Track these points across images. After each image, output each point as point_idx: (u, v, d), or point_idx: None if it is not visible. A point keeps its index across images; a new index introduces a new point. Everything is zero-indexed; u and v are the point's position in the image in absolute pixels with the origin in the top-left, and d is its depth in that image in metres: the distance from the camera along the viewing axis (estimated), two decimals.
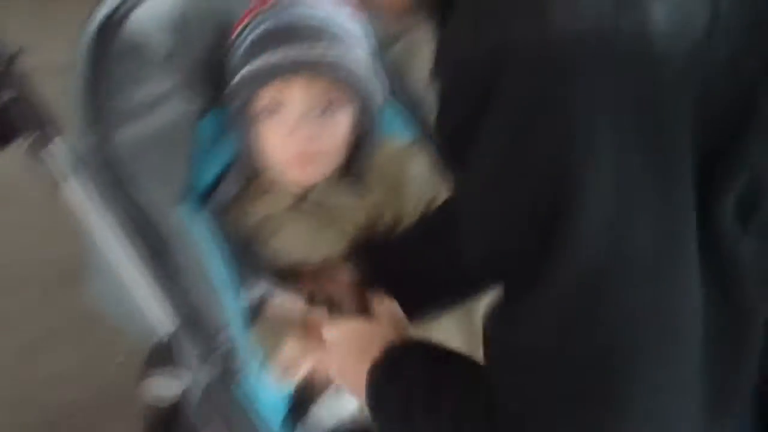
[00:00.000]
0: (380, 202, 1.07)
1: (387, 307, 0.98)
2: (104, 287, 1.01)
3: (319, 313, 0.99)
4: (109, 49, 0.99)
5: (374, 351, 0.82)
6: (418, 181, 1.11)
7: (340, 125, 1.04)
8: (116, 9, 1.03)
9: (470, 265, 0.67)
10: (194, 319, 0.93)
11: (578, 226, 0.57)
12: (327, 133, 1.02)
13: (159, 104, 0.99)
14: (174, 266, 0.94)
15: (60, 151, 0.96)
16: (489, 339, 0.67)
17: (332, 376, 0.94)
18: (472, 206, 0.65)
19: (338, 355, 0.90)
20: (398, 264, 1.04)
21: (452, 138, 0.65)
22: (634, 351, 0.59)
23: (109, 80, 0.98)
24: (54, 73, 1.08)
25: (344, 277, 1.05)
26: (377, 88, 1.06)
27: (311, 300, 0.99)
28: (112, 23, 1.01)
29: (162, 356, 0.98)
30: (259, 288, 1.01)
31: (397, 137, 1.17)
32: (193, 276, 0.94)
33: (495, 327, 0.66)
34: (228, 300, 0.95)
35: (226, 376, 0.94)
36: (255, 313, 1.01)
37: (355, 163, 1.08)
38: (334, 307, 1.02)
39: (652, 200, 0.58)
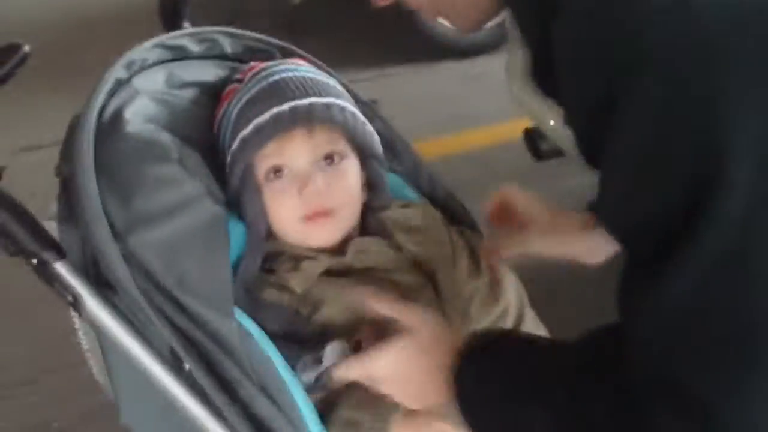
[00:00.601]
0: (418, 253, 1.00)
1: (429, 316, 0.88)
2: (140, 413, 0.89)
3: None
4: (116, 146, 0.89)
5: (441, 355, 0.79)
6: (443, 230, 1.05)
7: (348, 175, 0.97)
8: (104, 105, 0.93)
9: (611, 232, 0.68)
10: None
11: (724, 203, 0.57)
12: (337, 185, 0.96)
13: (189, 205, 0.89)
14: (231, 377, 0.83)
15: (69, 271, 0.85)
16: (626, 299, 0.66)
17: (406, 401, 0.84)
18: (616, 183, 0.65)
19: (405, 375, 0.82)
20: None
21: (590, 125, 0.64)
22: None
23: (125, 181, 0.87)
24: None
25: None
26: (374, 137, 1.01)
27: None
28: (111, 119, 0.91)
29: None
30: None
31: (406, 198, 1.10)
32: (253, 382, 0.83)
33: (636, 288, 0.65)
34: (295, 396, 0.84)
35: None
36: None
37: (373, 218, 1.01)
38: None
39: None
